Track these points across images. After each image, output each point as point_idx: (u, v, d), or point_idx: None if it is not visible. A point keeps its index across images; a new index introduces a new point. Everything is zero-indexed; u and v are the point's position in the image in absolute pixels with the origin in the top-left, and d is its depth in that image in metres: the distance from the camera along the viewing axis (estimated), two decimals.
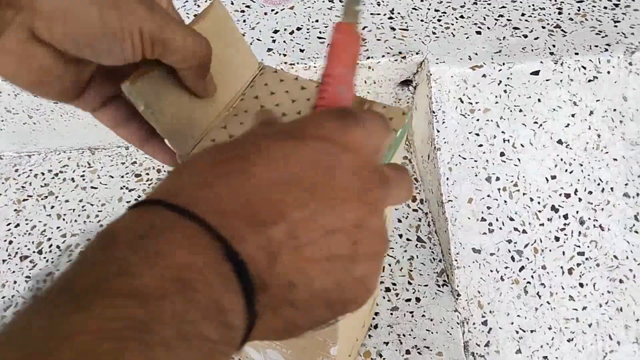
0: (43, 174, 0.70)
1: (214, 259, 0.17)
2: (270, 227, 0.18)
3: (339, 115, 0.22)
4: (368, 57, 0.63)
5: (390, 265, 0.61)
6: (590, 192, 0.61)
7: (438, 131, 0.61)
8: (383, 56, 0.63)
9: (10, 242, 0.64)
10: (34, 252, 0.63)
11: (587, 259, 0.60)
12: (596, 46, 0.63)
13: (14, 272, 0.62)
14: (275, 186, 0.19)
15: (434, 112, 0.61)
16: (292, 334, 0.21)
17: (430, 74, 0.62)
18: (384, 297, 0.58)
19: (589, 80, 0.62)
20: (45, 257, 0.63)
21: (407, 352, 0.54)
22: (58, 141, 0.71)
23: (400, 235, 0.63)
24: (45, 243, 0.64)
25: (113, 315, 0.15)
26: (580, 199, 0.61)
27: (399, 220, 0.64)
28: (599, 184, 0.62)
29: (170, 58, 0.27)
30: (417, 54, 0.63)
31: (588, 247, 0.60)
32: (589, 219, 0.61)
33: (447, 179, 0.60)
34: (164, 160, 0.34)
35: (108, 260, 0.17)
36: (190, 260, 0.17)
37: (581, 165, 0.62)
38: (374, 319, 0.56)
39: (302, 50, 0.65)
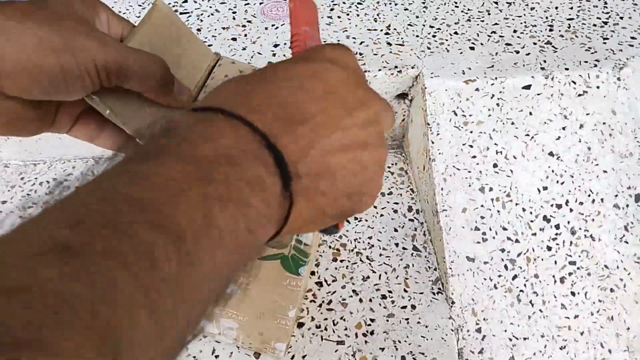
0: (48, 182, 0.72)
1: (255, 146, 0.21)
2: (298, 126, 0.22)
3: (334, 45, 0.26)
4: (365, 71, 0.65)
5: (386, 273, 0.62)
6: (581, 203, 0.63)
7: (433, 143, 0.63)
8: (380, 70, 0.66)
9: None
10: None
11: (578, 268, 0.61)
12: (586, 62, 0.66)
13: None
14: (299, 94, 0.23)
15: (428, 124, 0.63)
16: (320, 223, 0.25)
17: (425, 88, 0.64)
18: (380, 304, 0.59)
19: (579, 95, 0.64)
20: None
21: (403, 358, 0.55)
22: (63, 150, 0.73)
23: (397, 244, 0.65)
24: None
25: (178, 168, 0.19)
26: (571, 210, 0.63)
27: (395, 230, 0.66)
28: (589, 195, 0.63)
29: (128, 83, 0.29)
30: (412, 68, 0.66)
31: (579, 256, 0.62)
32: (580, 229, 0.62)
33: (442, 189, 0.62)
34: None
35: (170, 136, 0.20)
36: (236, 143, 0.20)
37: (572, 176, 0.63)
38: (369, 325, 0.57)
39: None
